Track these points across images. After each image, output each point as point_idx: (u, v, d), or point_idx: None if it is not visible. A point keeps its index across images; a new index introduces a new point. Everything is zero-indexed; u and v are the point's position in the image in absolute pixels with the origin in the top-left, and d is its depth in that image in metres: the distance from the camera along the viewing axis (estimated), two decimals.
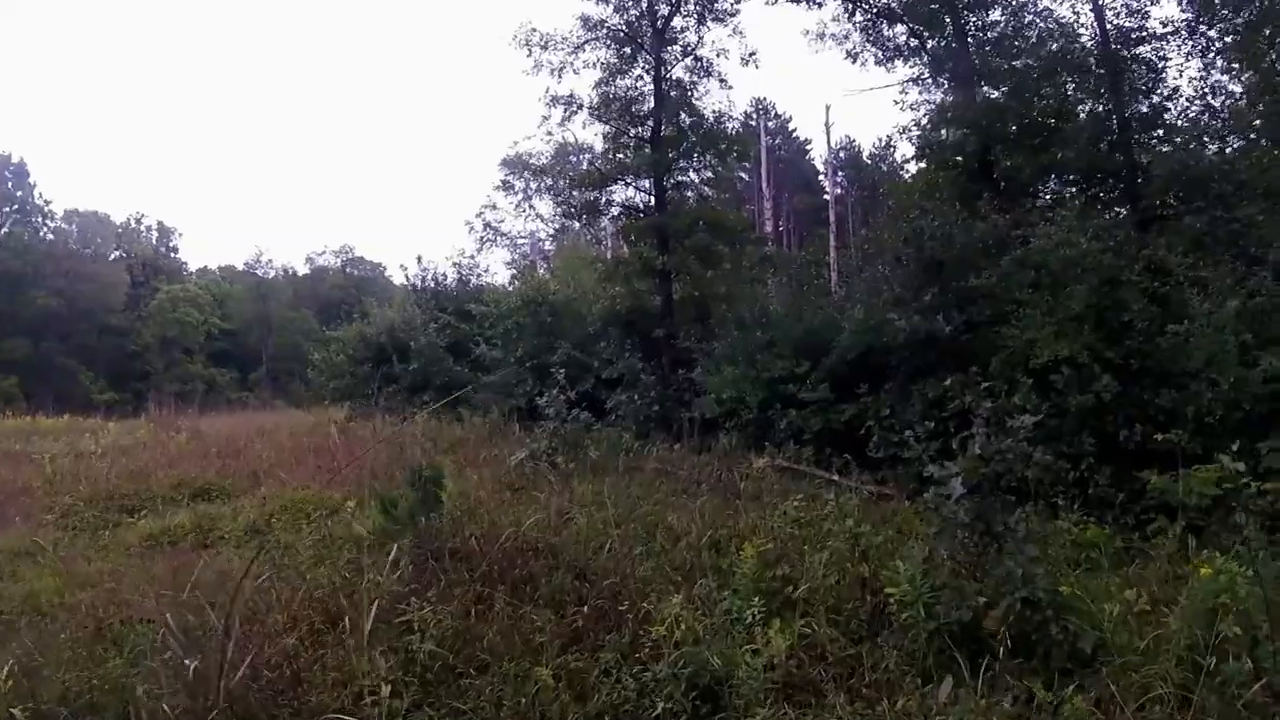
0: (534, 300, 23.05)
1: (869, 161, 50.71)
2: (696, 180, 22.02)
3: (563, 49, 21.24)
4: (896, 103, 22.31)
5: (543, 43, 21.15)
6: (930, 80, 22.04)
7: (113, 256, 74.64)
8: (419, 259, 30.71)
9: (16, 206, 65.45)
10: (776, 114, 47.32)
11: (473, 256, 32.33)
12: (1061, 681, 5.81)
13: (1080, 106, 20.06)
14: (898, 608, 6.89)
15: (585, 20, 20.92)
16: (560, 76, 21.45)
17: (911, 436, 14.87)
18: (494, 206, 45.92)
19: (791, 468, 15.05)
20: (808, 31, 21.72)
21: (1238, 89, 19.91)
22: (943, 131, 19.51)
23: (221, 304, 75.49)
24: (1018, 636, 6.19)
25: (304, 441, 20.15)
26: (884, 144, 48.35)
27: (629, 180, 21.49)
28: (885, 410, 14.72)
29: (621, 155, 21.41)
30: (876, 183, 49.69)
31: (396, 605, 7.19)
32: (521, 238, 47.37)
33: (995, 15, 20.47)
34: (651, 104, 21.00)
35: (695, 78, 21.21)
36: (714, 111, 21.32)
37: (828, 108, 51.03)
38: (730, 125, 21.56)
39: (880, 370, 15.57)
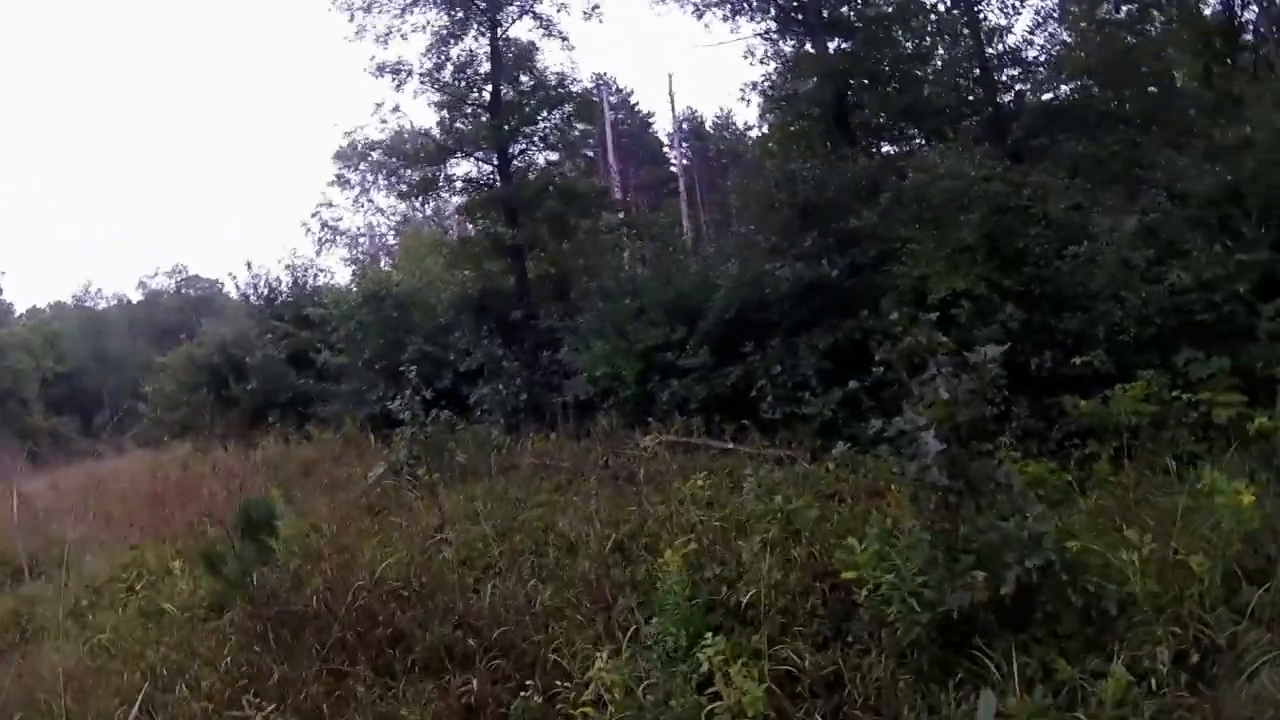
0: (376, 294, 20.62)
1: (711, 130, 49.87)
2: (542, 148, 20.04)
3: (388, 10, 18.87)
4: (745, 57, 21.28)
5: (365, 4, 18.71)
6: (779, 34, 20.91)
7: None
8: (248, 265, 27.38)
9: None
10: (618, 88, 45.60)
11: (309, 259, 28.96)
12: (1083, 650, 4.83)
13: (936, 51, 19.42)
14: (866, 598, 5.51)
15: None
16: (386, 43, 19.10)
17: (809, 392, 13.78)
18: (330, 204, 42.33)
19: (683, 441, 13.50)
20: None
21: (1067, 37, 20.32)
22: (796, 83, 18.30)
23: (53, 345, 68.02)
24: (1017, 608, 5.11)
25: (141, 489, 17.27)
26: (726, 113, 47.76)
27: (468, 151, 19.34)
28: (775, 368, 13.36)
29: (460, 124, 19.21)
30: (721, 151, 49.00)
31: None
32: (361, 234, 44.05)
33: None
34: (489, 67, 18.88)
35: (535, 37, 19.21)
36: (556, 73, 19.37)
37: (670, 77, 49.53)
38: (575, 87, 19.64)
39: (762, 327, 14.23)
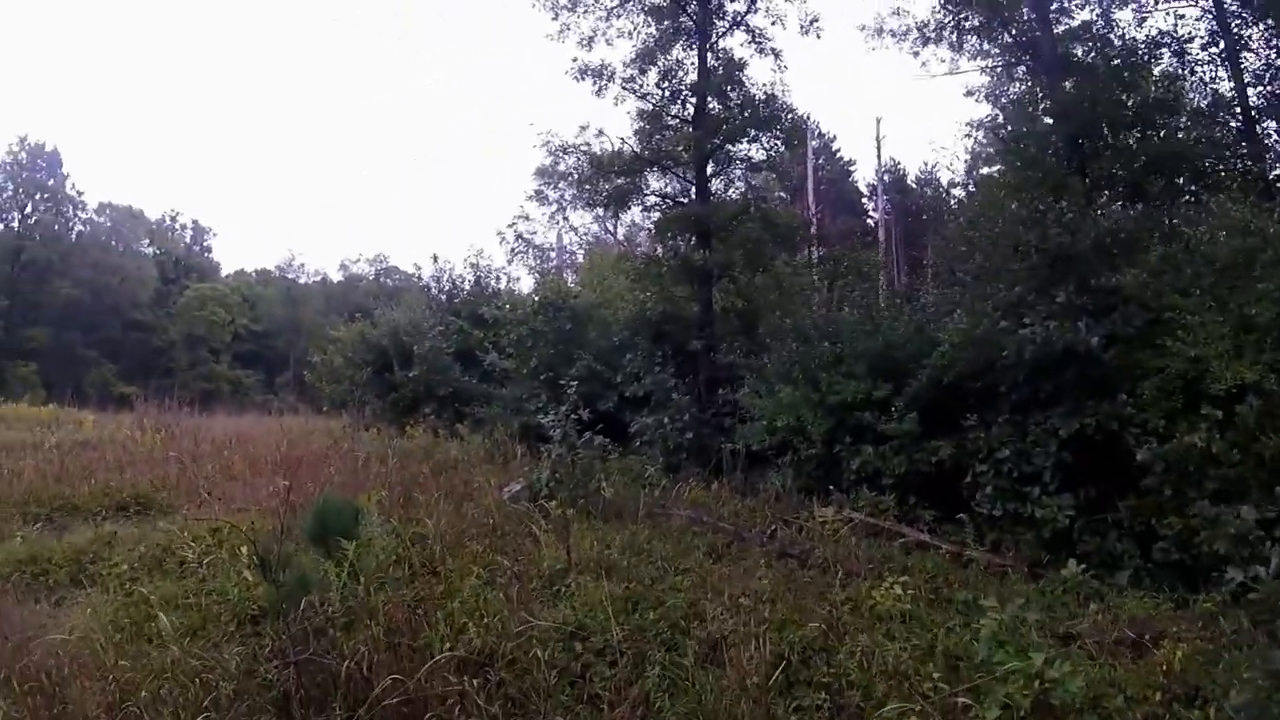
0: (552, 304, 19.06)
1: (914, 185, 46.61)
2: (744, 170, 17.91)
3: (594, 12, 17.39)
4: (968, 95, 18.83)
5: (570, 3, 17.31)
6: (1005, 72, 18.21)
7: (146, 252, 71.59)
8: (434, 257, 26.71)
9: (47, 196, 62.44)
10: (820, 131, 43.17)
11: (493, 262, 28.14)
12: None
13: (1186, 96, 16.07)
14: None
15: None
16: (590, 46, 17.59)
17: (1038, 488, 10.94)
18: (526, 217, 41.94)
19: (871, 523, 10.97)
20: (864, 27, 17.86)
21: None
22: (1025, 126, 15.44)
23: (252, 306, 72.20)
24: None
25: (278, 453, 16.22)
26: (931, 167, 44.43)
27: (666, 166, 17.50)
28: (1001, 451, 10.62)
29: (659, 136, 17.43)
30: (921, 208, 45.66)
31: None
32: (551, 249, 43.45)
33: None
34: (694, 78, 17.03)
35: (746, 53, 17.21)
36: (766, 92, 17.23)
37: (879, 120, 46.20)
38: (785, 115, 17.39)
39: (986, 399, 11.57)
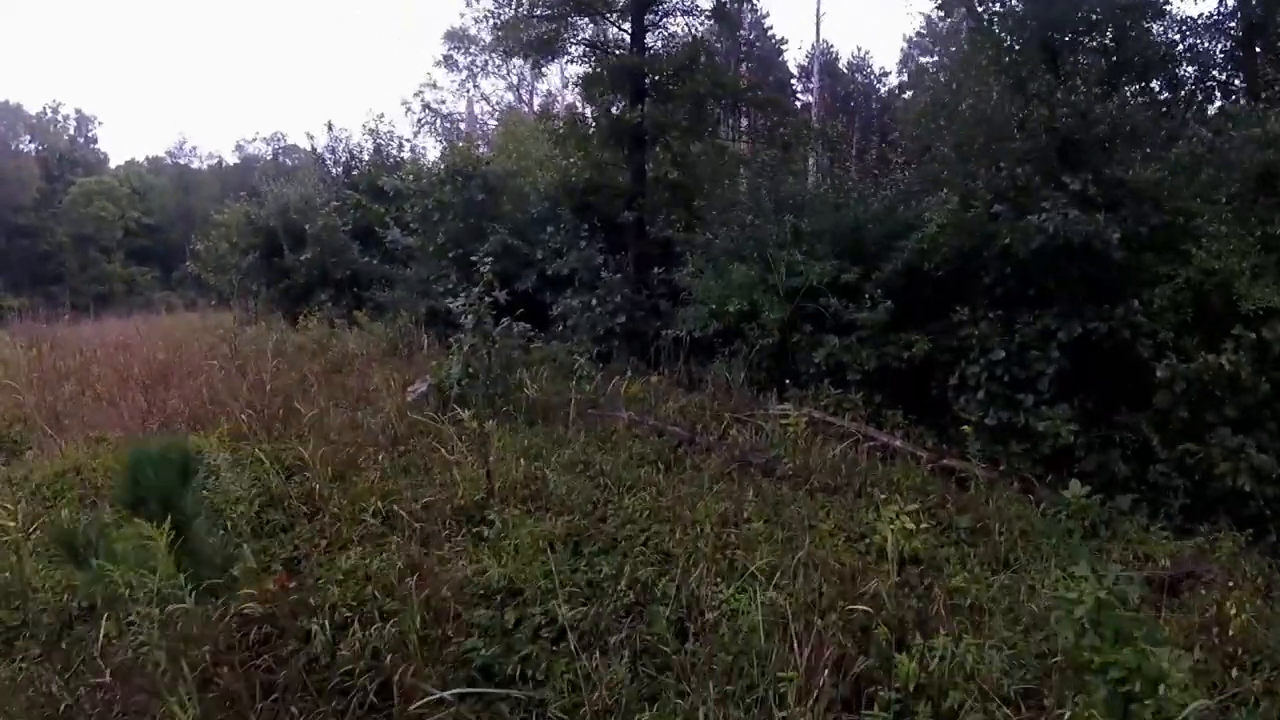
0: (461, 172, 16.40)
1: (845, 71, 44.17)
2: (685, 14, 15.24)
3: None
4: None
5: None
6: None
7: (28, 149, 63.98)
8: (329, 125, 23.45)
9: None
10: (753, 6, 39.96)
11: (394, 129, 24.70)
12: None
13: None
14: None
15: None
16: None
17: (1032, 396, 9.18)
18: (434, 85, 38.13)
19: (834, 423, 9.20)
20: None
21: None
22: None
23: (143, 197, 65.46)
24: None
25: (154, 360, 13.48)
26: (864, 53, 42.08)
27: (598, 9, 14.73)
28: (996, 351, 8.88)
29: None
30: (850, 95, 43.31)
31: None
32: (461, 119, 39.69)
33: None
34: None
35: None
36: None
37: None
38: None
39: (966, 291, 9.78)
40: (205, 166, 74.88)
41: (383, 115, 23.83)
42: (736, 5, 15.50)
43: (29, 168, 60.49)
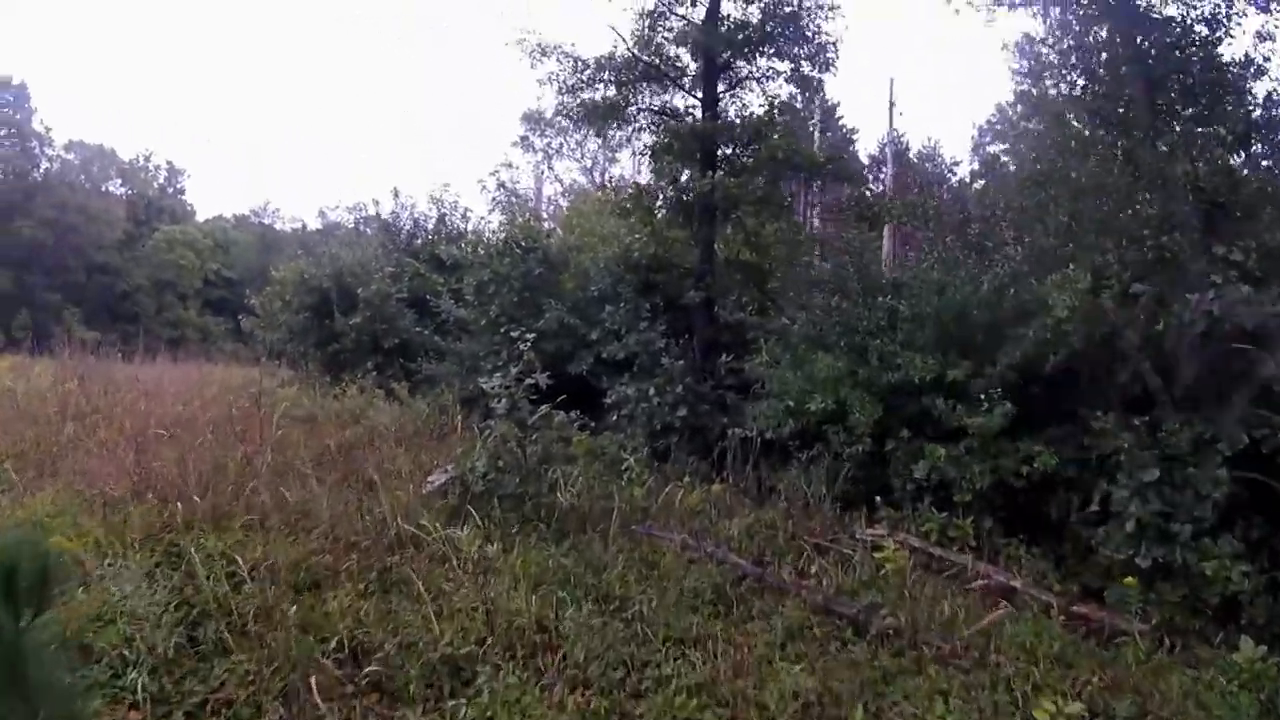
0: (521, 244, 15.08)
1: (916, 160, 42.73)
2: (763, 85, 13.82)
3: None
4: (1004, 49, 15.10)
5: None
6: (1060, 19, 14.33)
7: (117, 192, 66.06)
8: (395, 192, 22.60)
9: (13, 132, 56.90)
10: (824, 98, 38.95)
11: (470, 206, 23.70)
12: None
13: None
14: None
15: None
16: None
17: (1190, 526, 6.69)
18: (510, 165, 37.40)
19: (937, 555, 7.29)
20: None
21: None
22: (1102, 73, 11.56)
23: (225, 251, 66.86)
24: None
25: (179, 411, 12.21)
26: (934, 143, 40.66)
27: (668, 74, 13.41)
28: (1148, 469, 6.92)
29: (660, 40, 13.33)
30: (920, 184, 41.81)
31: None
32: (530, 197, 38.96)
33: None
34: None
35: None
36: (792, 9, 13.12)
37: (892, 81, 41.62)
38: (813, 30, 13.25)
39: (1094, 391, 7.87)
40: (290, 229, 76.19)
41: (448, 185, 22.85)
42: (817, 78, 13.94)
43: (116, 209, 62.04)
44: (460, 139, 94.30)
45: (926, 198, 12.43)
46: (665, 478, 9.14)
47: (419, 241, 21.93)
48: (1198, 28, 11.05)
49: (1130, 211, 8.63)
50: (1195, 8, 11.60)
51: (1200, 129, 9.91)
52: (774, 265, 12.91)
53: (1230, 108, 10.20)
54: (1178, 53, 10.59)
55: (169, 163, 72.80)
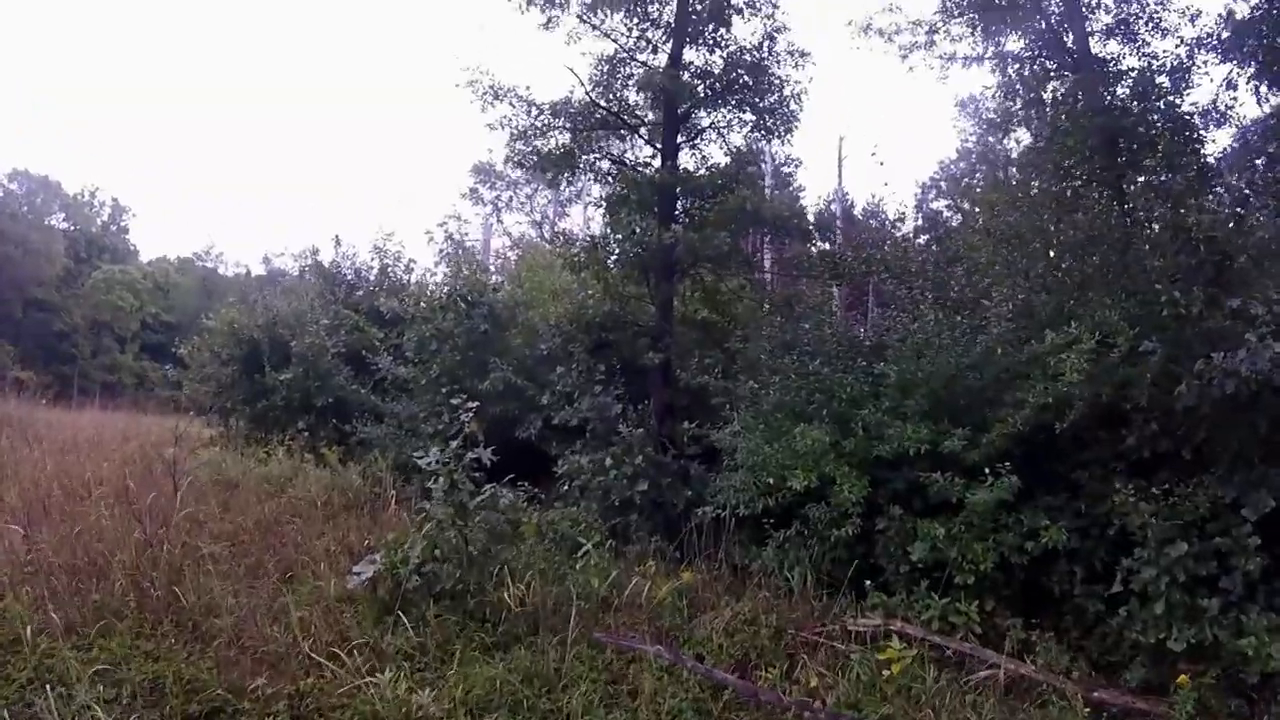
0: (466, 298, 14.00)
1: (860, 217, 42.73)
2: (726, 142, 13.06)
3: None
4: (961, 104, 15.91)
5: None
6: (1016, 75, 14.15)
7: (61, 227, 62.82)
8: (336, 240, 21.36)
9: None
10: (784, 155, 38.59)
11: (403, 246, 22.18)
12: None
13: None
14: None
15: None
16: None
17: (1214, 599, 5.58)
18: (459, 218, 36.12)
19: (938, 644, 6.32)
20: (850, 22, 14.12)
21: None
22: (1065, 123, 11.05)
23: (166, 294, 64.05)
24: None
25: (88, 476, 10.77)
26: (878, 200, 40.70)
27: (627, 122, 12.56)
28: (1175, 543, 6.12)
29: (621, 86, 12.50)
30: (863, 243, 41.70)
31: None
32: (477, 249, 37.70)
33: None
34: (671, 13, 12.26)
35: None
36: (755, 51, 12.49)
37: (841, 139, 41.19)
38: (776, 82, 12.55)
39: (1095, 456, 7.12)
40: (233, 274, 73.61)
41: (391, 234, 21.56)
42: (782, 130, 13.16)
43: (57, 244, 58.95)
44: (410, 189, 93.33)
45: (892, 251, 11.62)
46: (627, 561, 8.01)
47: (360, 293, 20.61)
48: (1160, 79, 10.79)
49: (1125, 265, 7.98)
50: (1158, 59, 11.41)
51: (1163, 178, 9.53)
52: (735, 324, 11.99)
53: (1186, 158, 9.72)
54: (1136, 103, 10.16)
55: (114, 199, 70.13)
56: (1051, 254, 9.30)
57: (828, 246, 12.98)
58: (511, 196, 40.50)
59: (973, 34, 15.03)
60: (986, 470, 7.03)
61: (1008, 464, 7.02)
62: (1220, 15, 11.67)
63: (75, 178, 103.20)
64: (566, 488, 10.24)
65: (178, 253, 73.72)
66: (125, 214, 70.71)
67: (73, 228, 64.04)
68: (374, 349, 15.90)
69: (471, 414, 7.20)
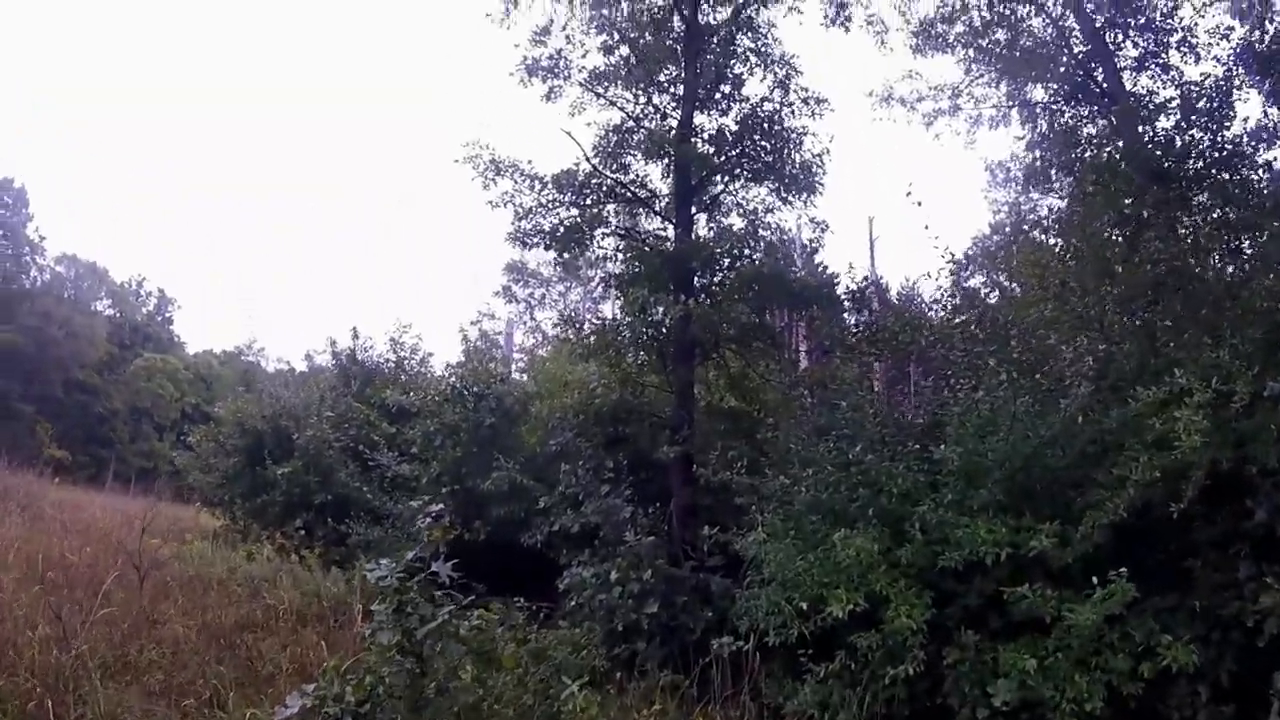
0: (474, 391, 12.74)
1: (896, 300, 41.29)
2: (745, 212, 11.84)
3: None
4: (990, 168, 16.10)
5: None
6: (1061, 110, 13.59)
7: (106, 313, 63.30)
8: (354, 332, 20.42)
9: (6, 234, 54.86)
10: (794, 251, 37.63)
11: (419, 339, 20.98)
12: None
13: None
14: None
15: None
16: (545, 41, 11.90)
17: None
18: (493, 316, 35.17)
19: None
20: (871, 92, 14.10)
21: None
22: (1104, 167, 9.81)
23: (207, 386, 63.83)
24: None
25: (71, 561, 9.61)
26: (912, 284, 39.35)
27: (636, 194, 11.43)
28: None
29: (629, 156, 11.45)
30: (885, 329, 40.26)
31: None
32: (516, 353, 36.66)
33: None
34: (680, 88, 11.29)
35: (746, 43, 11.29)
36: (773, 107, 11.31)
37: (871, 220, 39.84)
38: (796, 147, 11.40)
39: (1201, 536, 5.46)
40: (275, 368, 73.44)
41: (409, 326, 20.48)
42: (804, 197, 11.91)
43: (100, 329, 59.05)
44: (449, 287, 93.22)
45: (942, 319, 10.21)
46: (630, 701, 6.33)
47: (370, 387, 19.43)
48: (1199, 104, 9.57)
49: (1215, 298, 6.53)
50: (1196, 86, 10.17)
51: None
52: (765, 412, 10.47)
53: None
54: (1179, 136, 9.11)
55: (160, 290, 70.77)
56: (1111, 302, 7.79)
57: (866, 316, 11.54)
58: (544, 294, 39.62)
59: (997, 89, 14.16)
60: (1082, 573, 5.37)
61: (1119, 567, 5.34)
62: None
63: (123, 266, 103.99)
64: (571, 603, 8.62)
65: (222, 346, 74.05)
66: (170, 305, 71.41)
67: (118, 315, 64.49)
68: (375, 445, 14.59)
69: (433, 518, 5.72)
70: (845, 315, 11.78)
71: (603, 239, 11.57)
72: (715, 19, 11.51)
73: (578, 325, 12.37)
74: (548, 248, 11.21)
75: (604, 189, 11.29)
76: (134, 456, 53.84)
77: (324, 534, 13.91)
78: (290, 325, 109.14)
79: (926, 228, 9.47)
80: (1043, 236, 13.08)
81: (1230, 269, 8.06)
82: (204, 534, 14.65)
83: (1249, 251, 6.94)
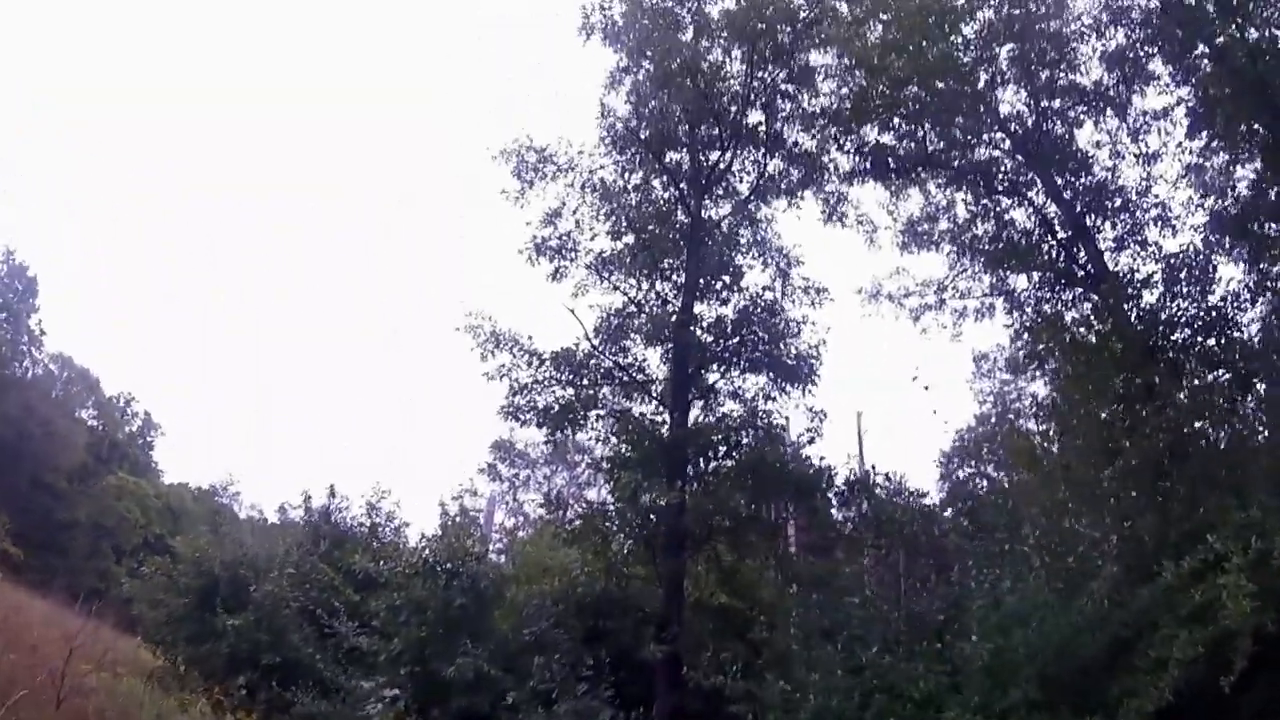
0: (443, 564, 12.03)
1: (882, 494, 40.56)
2: (742, 400, 11.69)
3: (562, 177, 11.94)
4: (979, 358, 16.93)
5: (538, 162, 11.89)
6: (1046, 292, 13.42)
7: (90, 423, 61.79)
8: (331, 490, 19.61)
9: (8, 317, 54.07)
10: (790, 440, 37.22)
11: (397, 505, 20.17)
12: None
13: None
14: None
15: (610, 132, 11.83)
16: (556, 223, 12.03)
17: None
18: (475, 493, 34.11)
19: None
20: (860, 290, 13.29)
21: None
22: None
23: (175, 519, 61.73)
24: None
25: None
26: (900, 476, 38.99)
27: (634, 378, 11.27)
28: None
29: (627, 340, 11.40)
30: (889, 520, 39.51)
31: None
32: (477, 523, 35.40)
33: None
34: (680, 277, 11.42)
35: (747, 236, 11.72)
36: (774, 296, 11.60)
37: (859, 415, 39.47)
38: (791, 339, 11.49)
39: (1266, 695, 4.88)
40: (245, 515, 71.22)
41: (388, 492, 19.70)
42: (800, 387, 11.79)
43: (81, 437, 56.96)
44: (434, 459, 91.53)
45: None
46: None
47: (347, 546, 18.46)
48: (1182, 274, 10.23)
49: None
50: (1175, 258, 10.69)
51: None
52: (760, 610, 9.80)
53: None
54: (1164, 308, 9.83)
55: (147, 413, 69.19)
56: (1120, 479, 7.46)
57: (865, 508, 11.15)
58: (530, 475, 39.07)
59: (981, 280, 14.38)
60: None
61: None
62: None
63: (114, 380, 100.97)
64: None
65: (198, 483, 72.16)
66: (155, 430, 69.85)
67: (100, 428, 62.96)
68: (335, 611, 13.64)
69: (388, 702, 5.04)
70: (842, 508, 11.44)
71: (596, 420, 11.33)
72: (718, 213, 11.79)
73: (563, 508, 11.77)
74: (540, 425, 10.91)
75: (601, 370, 11.25)
76: (87, 573, 51.33)
77: (267, 698, 12.77)
78: (271, 467, 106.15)
79: (935, 412, 9.36)
80: (1030, 424, 13.03)
81: (1238, 428, 8.17)
82: (139, 670, 13.38)
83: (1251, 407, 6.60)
